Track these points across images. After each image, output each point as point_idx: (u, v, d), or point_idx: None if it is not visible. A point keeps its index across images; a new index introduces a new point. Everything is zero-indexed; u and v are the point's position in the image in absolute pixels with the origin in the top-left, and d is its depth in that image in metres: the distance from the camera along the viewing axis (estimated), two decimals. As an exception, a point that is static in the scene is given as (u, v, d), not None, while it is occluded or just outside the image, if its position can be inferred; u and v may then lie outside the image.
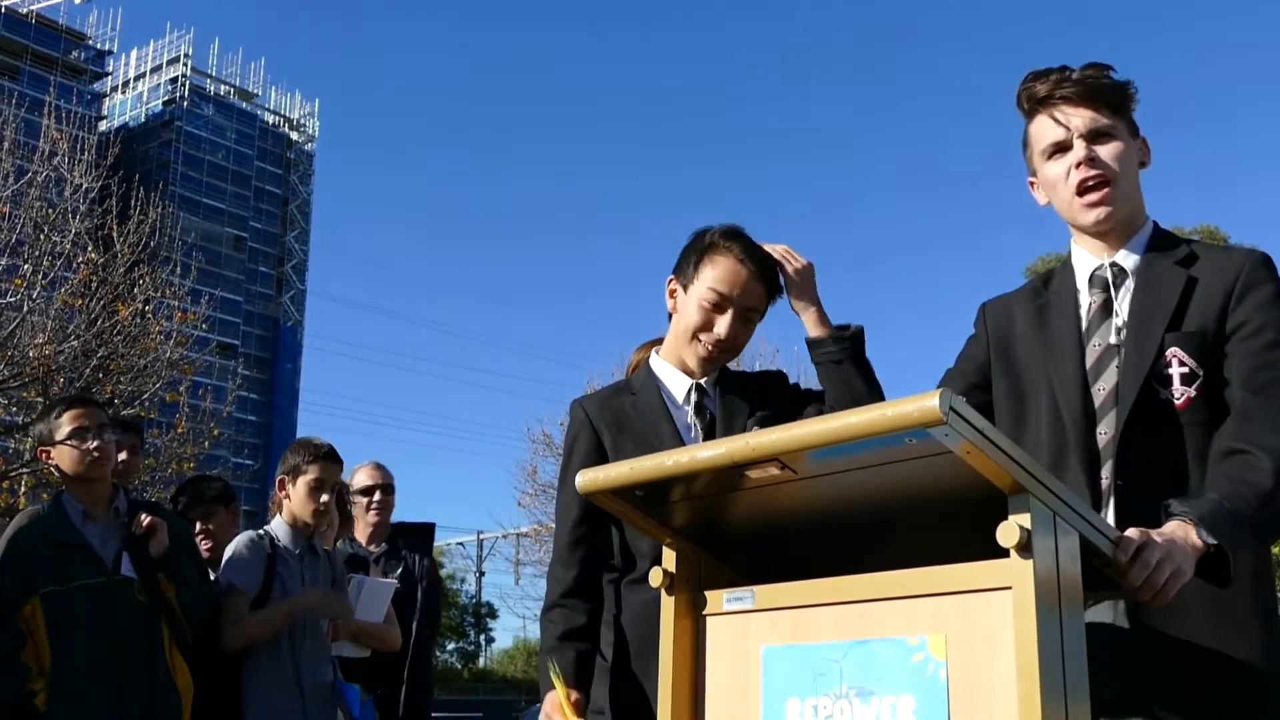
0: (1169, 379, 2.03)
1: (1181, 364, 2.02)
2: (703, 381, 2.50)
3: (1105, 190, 2.13)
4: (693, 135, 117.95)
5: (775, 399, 2.50)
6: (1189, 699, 1.91)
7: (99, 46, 62.03)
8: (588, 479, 1.78)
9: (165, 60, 64.90)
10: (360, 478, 5.08)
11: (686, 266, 2.50)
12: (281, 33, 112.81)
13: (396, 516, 5.22)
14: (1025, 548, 1.46)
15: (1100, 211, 2.14)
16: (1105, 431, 2.05)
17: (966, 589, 1.53)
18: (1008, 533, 1.47)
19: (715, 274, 2.43)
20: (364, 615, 4.52)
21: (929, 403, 1.39)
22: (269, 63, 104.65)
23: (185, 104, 63.33)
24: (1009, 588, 1.48)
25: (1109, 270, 2.16)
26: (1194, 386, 2.01)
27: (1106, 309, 2.13)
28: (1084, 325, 2.15)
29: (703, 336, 2.44)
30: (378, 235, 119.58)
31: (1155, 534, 1.72)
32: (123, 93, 65.43)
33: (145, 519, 3.59)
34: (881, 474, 1.57)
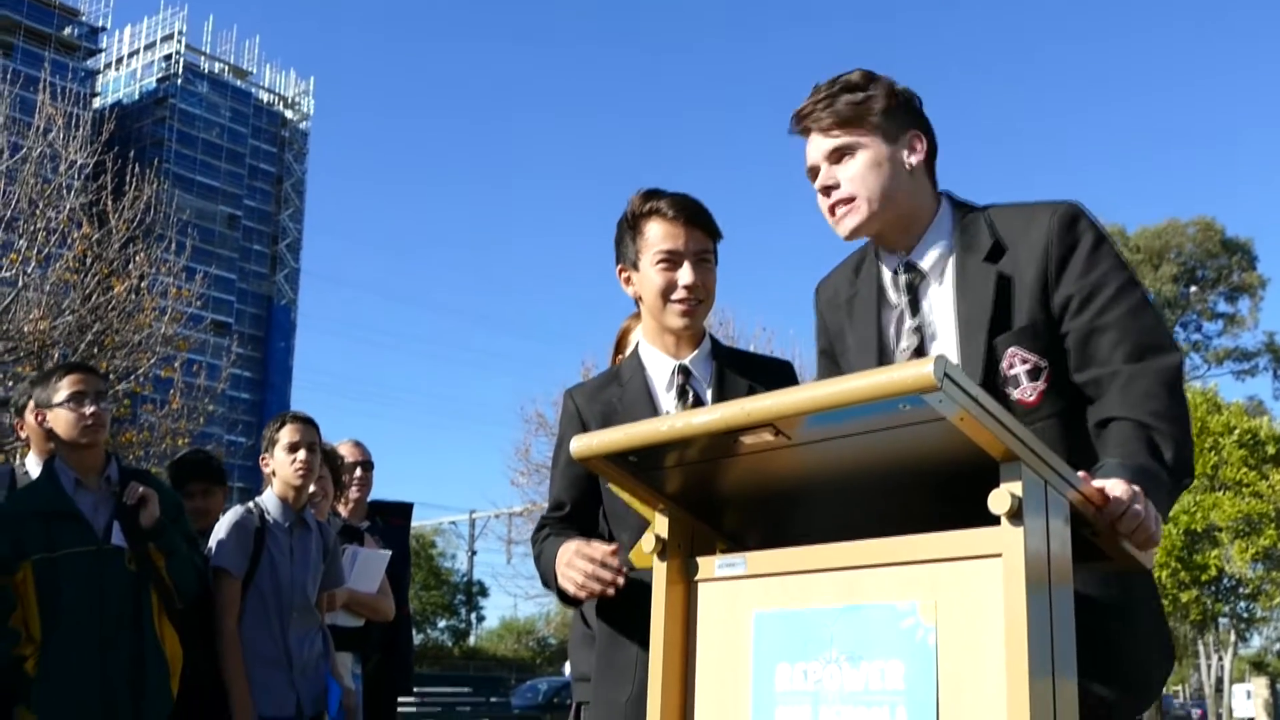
0: (1015, 379, 2.04)
1: (1024, 360, 2.03)
2: (688, 361, 2.52)
3: (848, 203, 2.16)
4: (692, 120, 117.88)
5: (777, 388, 2.50)
6: (1104, 661, 1.94)
7: (92, 23, 61.62)
8: (582, 444, 1.78)
9: (159, 37, 64.56)
10: (340, 454, 5.10)
11: (625, 249, 2.54)
12: (276, 10, 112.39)
13: (395, 493, 5.29)
14: (1016, 515, 1.48)
15: (850, 222, 2.17)
16: None
17: (957, 556, 1.55)
18: (999, 500, 1.48)
19: (654, 238, 2.49)
20: (358, 585, 4.56)
21: (924, 369, 1.40)
22: (264, 40, 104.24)
23: (179, 81, 63.00)
24: (999, 555, 1.49)
25: (905, 273, 2.17)
26: (1042, 378, 2.03)
27: (912, 310, 2.16)
28: (889, 329, 2.18)
29: (673, 295, 2.48)
30: (372, 214, 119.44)
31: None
32: (116, 69, 65.08)
33: (138, 489, 3.60)
34: (876, 441, 1.57)
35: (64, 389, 3.60)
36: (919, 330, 2.14)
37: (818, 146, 2.18)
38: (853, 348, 2.24)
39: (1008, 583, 1.48)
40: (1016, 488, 1.48)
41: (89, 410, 3.58)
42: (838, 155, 2.16)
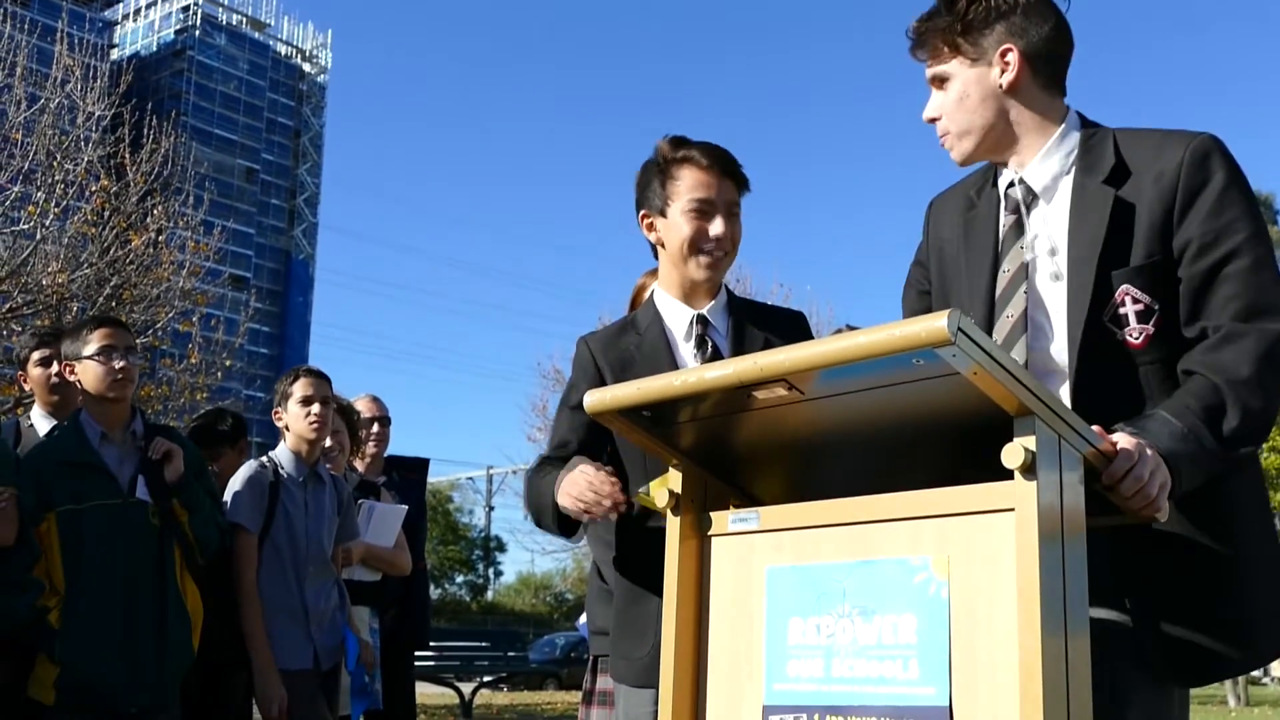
0: (1123, 319, 1.92)
1: (1135, 300, 1.92)
2: (705, 311, 2.51)
3: (945, 137, 2.13)
4: (705, 66, 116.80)
5: (792, 339, 2.48)
6: (1220, 613, 1.87)
7: (110, -27, 61.52)
8: (596, 399, 1.78)
9: (177, -12, 64.37)
10: (357, 409, 5.12)
11: (652, 195, 2.50)
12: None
13: (412, 449, 5.32)
14: (1029, 469, 1.47)
15: (954, 155, 2.14)
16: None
17: (970, 510, 1.55)
18: (1012, 454, 1.47)
19: (688, 184, 2.45)
20: (374, 539, 4.59)
21: (937, 323, 1.39)
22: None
23: (197, 33, 62.88)
24: (1012, 509, 1.49)
25: (1019, 189, 2.07)
26: (1152, 321, 1.92)
27: (1017, 230, 2.06)
28: (999, 248, 2.09)
29: (703, 245, 2.45)
30: (390, 169, 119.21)
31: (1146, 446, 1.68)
32: (134, 21, 64.99)
33: (163, 445, 3.63)
34: (889, 396, 1.57)
35: (94, 342, 3.61)
36: (1024, 253, 2.03)
37: (927, 72, 2.14)
38: (966, 269, 2.13)
39: (1020, 537, 1.48)
40: (1030, 442, 1.48)
41: (118, 364, 3.60)
42: (938, 82, 2.11)
